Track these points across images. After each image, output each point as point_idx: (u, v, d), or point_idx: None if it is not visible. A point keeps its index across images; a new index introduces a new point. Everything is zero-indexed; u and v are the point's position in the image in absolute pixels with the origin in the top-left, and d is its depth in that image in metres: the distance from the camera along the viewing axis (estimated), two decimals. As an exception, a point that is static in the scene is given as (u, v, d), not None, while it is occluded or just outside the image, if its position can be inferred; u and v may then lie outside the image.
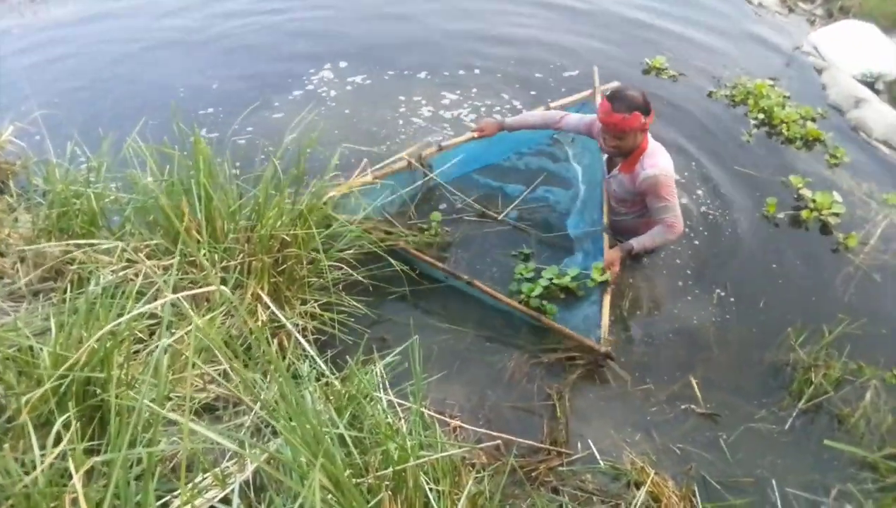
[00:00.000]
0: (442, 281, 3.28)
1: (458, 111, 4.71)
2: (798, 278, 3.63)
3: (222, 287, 2.10)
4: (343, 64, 5.21)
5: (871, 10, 6.38)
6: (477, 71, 5.19)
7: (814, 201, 4.01)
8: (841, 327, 3.16)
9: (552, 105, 4.10)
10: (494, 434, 2.56)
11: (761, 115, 4.83)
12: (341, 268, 2.99)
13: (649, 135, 3.18)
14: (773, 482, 2.58)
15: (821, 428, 2.85)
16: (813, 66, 5.70)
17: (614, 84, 4.44)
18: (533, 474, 2.51)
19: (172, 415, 1.47)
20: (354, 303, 2.93)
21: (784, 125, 4.71)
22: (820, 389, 2.95)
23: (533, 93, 4.97)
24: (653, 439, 2.74)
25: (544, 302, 3.17)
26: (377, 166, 3.50)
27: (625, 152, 3.19)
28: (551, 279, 3.25)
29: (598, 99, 4.23)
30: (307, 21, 5.97)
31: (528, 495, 2.42)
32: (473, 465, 2.44)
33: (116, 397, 1.64)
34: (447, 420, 2.62)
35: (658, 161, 3.14)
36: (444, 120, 4.61)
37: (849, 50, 5.78)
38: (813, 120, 4.84)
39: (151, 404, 1.47)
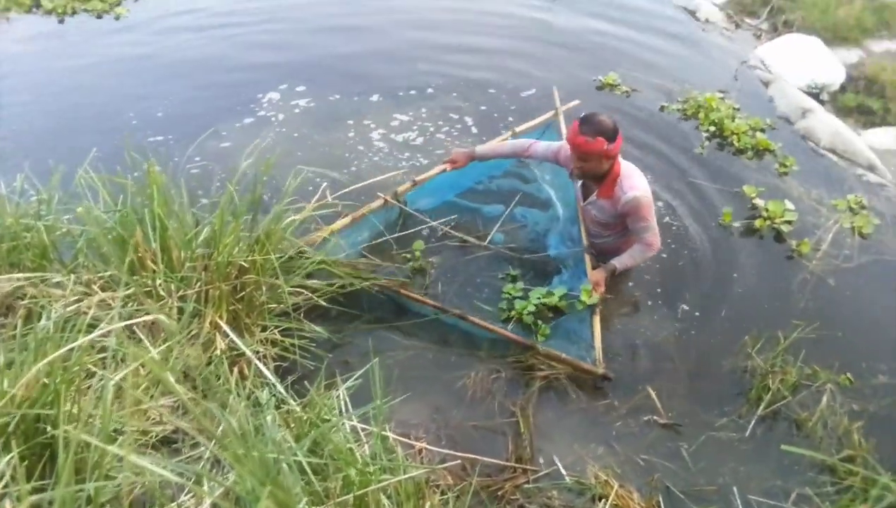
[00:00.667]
0: (429, 316, 3.24)
1: (408, 133, 4.72)
2: (755, 286, 3.71)
3: (161, 316, 2.06)
4: (295, 85, 5.20)
5: (813, 23, 6.60)
6: (430, 90, 5.24)
7: (767, 210, 4.11)
8: (795, 333, 3.22)
9: (517, 130, 4.17)
10: (459, 454, 2.55)
11: (712, 128, 4.95)
12: (302, 293, 2.98)
13: (620, 158, 3.24)
14: (735, 489, 2.61)
15: (780, 434, 2.90)
16: (760, 79, 5.87)
17: (575, 103, 4.57)
18: (499, 493, 2.50)
19: (114, 450, 1.44)
20: (315, 329, 2.90)
21: (735, 136, 4.84)
22: (778, 395, 3.01)
23: (483, 107, 5.05)
24: (616, 451, 2.76)
25: (538, 321, 3.20)
26: (349, 212, 3.48)
27: (590, 175, 3.25)
28: (540, 298, 3.28)
29: (562, 119, 4.34)
30: (258, 37, 6.00)
31: (496, 514, 2.42)
32: (439, 486, 2.43)
33: (66, 433, 1.60)
34: (412, 442, 2.61)
35: (636, 183, 3.20)
36: (395, 142, 4.62)
37: (794, 62, 5.96)
38: (762, 130, 4.99)
39: (92, 439, 1.44)
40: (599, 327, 3.09)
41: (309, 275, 2.98)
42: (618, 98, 5.32)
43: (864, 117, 5.54)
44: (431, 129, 4.73)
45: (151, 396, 2.25)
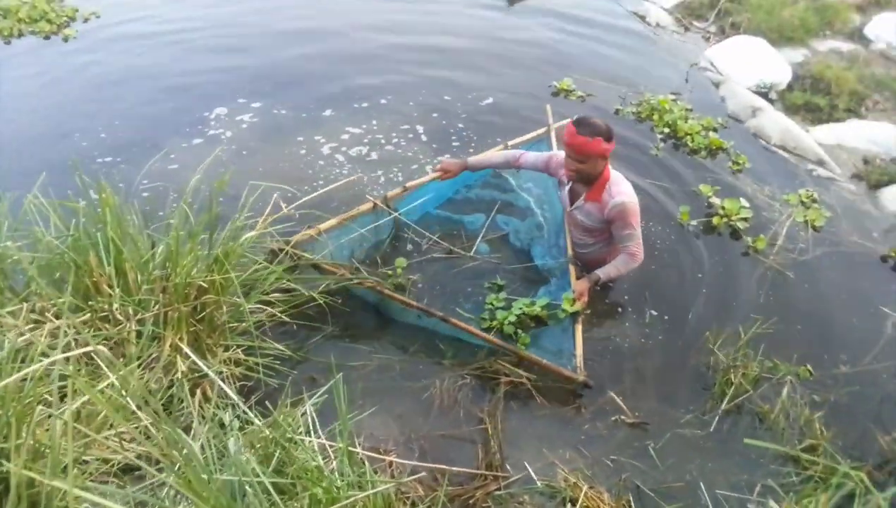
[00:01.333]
0: (411, 322, 3.27)
1: (360, 147, 4.68)
2: (715, 283, 3.78)
3: (101, 347, 2.01)
4: (246, 100, 5.13)
5: (759, 25, 6.78)
6: (383, 101, 5.21)
7: (723, 208, 4.20)
8: (755, 327, 3.29)
9: (510, 144, 4.20)
10: (428, 465, 2.55)
11: (667, 129, 5.05)
12: (265, 310, 2.95)
13: (609, 165, 3.28)
14: (703, 485, 2.64)
15: (744, 427, 2.95)
16: (711, 81, 6.01)
17: (566, 121, 4.57)
18: (470, 501, 2.50)
19: (59, 484, 1.40)
20: (277, 346, 2.87)
21: (689, 137, 4.94)
22: (740, 389, 3.06)
23: (435, 115, 5.03)
24: (585, 453, 2.77)
25: (518, 331, 3.20)
26: (338, 215, 3.50)
27: (586, 178, 3.27)
28: (522, 309, 3.28)
29: (553, 136, 4.41)
30: (208, 45, 5.91)
31: (467, 523, 2.42)
32: (409, 498, 2.42)
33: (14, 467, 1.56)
34: (381, 455, 2.59)
35: (624, 189, 3.25)
36: (347, 155, 4.57)
37: (742, 63, 6.12)
38: (714, 130, 5.10)
39: (35, 474, 1.40)
40: (581, 336, 3.11)
41: (285, 290, 2.96)
42: (573, 103, 5.39)
43: (812, 114, 5.70)
44: (383, 141, 4.70)
45: (111, 424, 2.20)
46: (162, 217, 2.89)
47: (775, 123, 5.27)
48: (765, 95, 5.83)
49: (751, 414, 3.02)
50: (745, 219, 4.19)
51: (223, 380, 2.53)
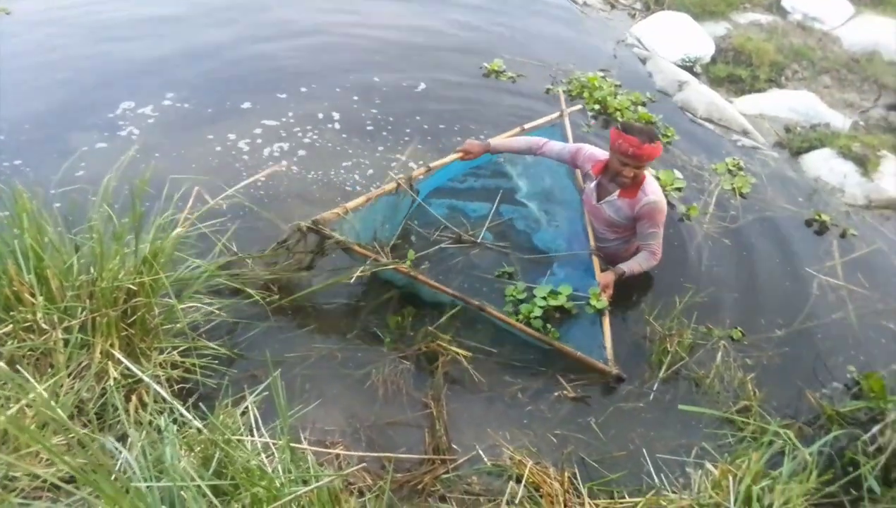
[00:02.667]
0: (442, 301, 3.23)
1: (281, 138, 4.51)
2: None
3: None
4: (158, 93, 4.84)
5: (682, 0, 6.91)
6: (304, 89, 5.04)
7: (658, 179, 4.28)
8: (689, 295, 3.39)
9: (526, 127, 4.18)
10: (374, 454, 2.55)
11: (597, 106, 5.12)
12: (199, 309, 2.89)
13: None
14: (644, 451, 2.72)
15: (681, 394, 3.05)
16: (638, 57, 6.12)
17: (578, 106, 4.77)
18: (419, 486, 2.51)
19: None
20: (213, 346, 2.81)
21: (618, 112, 5.03)
22: (676, 357, 3.16)
23: (355, 107, 4.90)
24: (530, 430, 2.82)
25: (547, 325, 3.21)
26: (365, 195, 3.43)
27: (631, 180, 3.31)
28: (546, 299, 3.28)
29: (566, 120, 4.40)
30: (119, 36, 5.59)
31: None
32: (358, 488, 2.42)
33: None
34: (327, 449, 2.58)
35: (657, 188, 3.34)
36: (270, 145, 4.43)
37: (667, 38, 6.25)
38: (643, 105, 5.22)
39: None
40: (609, 329, 3.14)
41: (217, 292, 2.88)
42: (504, 84, 5.40)
43: (735, 86, 5.88)
44: (299, 133, 4.54)
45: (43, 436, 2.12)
46: (85, 220, 2.77)
47: (701, 96, 5.41)
48: (690, 69, 5.97)
49: (687, 381, 3.11)
50: (678, 190, 4.31)
51: (160, 384, 2.47)
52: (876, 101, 5.74)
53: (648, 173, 3.39)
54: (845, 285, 3.79)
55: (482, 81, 5.40)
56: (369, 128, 4.66)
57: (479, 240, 3.72)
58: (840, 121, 5.30)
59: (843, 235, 4.21)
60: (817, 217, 4.30)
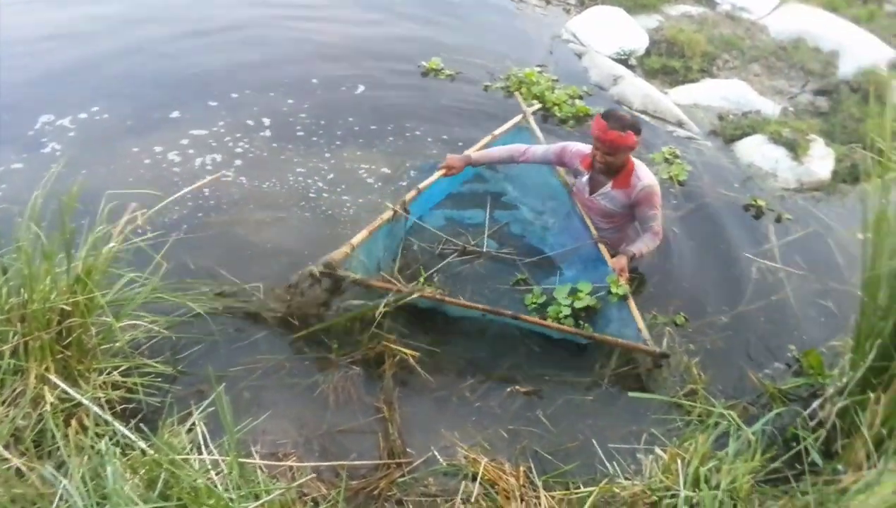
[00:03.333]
0: (473, 317, 3.20)
1: (216, 146, 4.36)
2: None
3: None
4: (81, 105, 4.60)
5: (615, -6, 7.03)
6: (235, 95, 4.89)
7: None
8: (634, 285, 3.45)
9: (496, 133, 4.18)
10: (327, 463, 2.53)
11: (535, 101, 5.15)
12: (139, 327, 2.81)
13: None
14: (596, 441, 2.76)
15: (631, 381, 3.09)
16: (574, 51, 6.19)
17: (537, 106, 4.86)
18: (375, 492, 2.49)
19: None
20: (153, 364, 2.73)
21: (556, 106, 5.09)
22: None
23: (291, 110, 4.80)
24: (484, 427, 2.83)
25: (579, 322, 3.26)
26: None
27: (613, 169, 3.37)
28: (570, 299, 3.30)
29: (531, 120, 4.45)
30: (38, 50, 5.30)
31: (374, 514, 2.41)
32: (313, 499, 2.39)
33: None
34: (278, 462, 2.54)
35: (648, 172, 3.44)
36: (204, 155, 4.27)
37: (602, 33, 6.34)
38: (580, 98, 5.30)
39: None
40: (637, 311, 3.18)
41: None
42: (443, 82, 5.40)
43: (669, 77, 6.00)
44: (229, 142, 4.41)
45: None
46: (11, 241, 2.65)
47: (636, 89, 5.51)
48: (625, 62, 6.08)
49: (636, 367, 3.15)
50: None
51: (100, 406, 2.39)
52: (803, 87, 5.94)
53: (636, 159, 3.47)
54: (783, 267, 3.91)
55: (420, 81, 5.39)
56: (300, 134, 4.57)
57: (483, 250, 3.71)
58: (770, 107, 5.47)
59: (778, 219, 4.34)
60: (754, 202, 4.42)
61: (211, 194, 3.92)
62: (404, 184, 4.16)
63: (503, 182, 4.23)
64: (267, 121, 4.63)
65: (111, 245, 2.57)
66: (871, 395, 2.37)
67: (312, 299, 3.19)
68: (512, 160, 3.80)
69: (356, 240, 3.23)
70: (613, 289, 3.24)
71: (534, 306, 3.38)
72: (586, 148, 3.56)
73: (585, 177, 3.57)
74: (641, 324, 3.13)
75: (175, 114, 4.61)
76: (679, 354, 3.22)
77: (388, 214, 3.46)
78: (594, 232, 3.59)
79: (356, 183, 4.18)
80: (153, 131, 4.43)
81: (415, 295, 3.03)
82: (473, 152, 3.82)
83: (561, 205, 3.92)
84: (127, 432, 2.11)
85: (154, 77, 5.05)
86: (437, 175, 3.76)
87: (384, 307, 3.00)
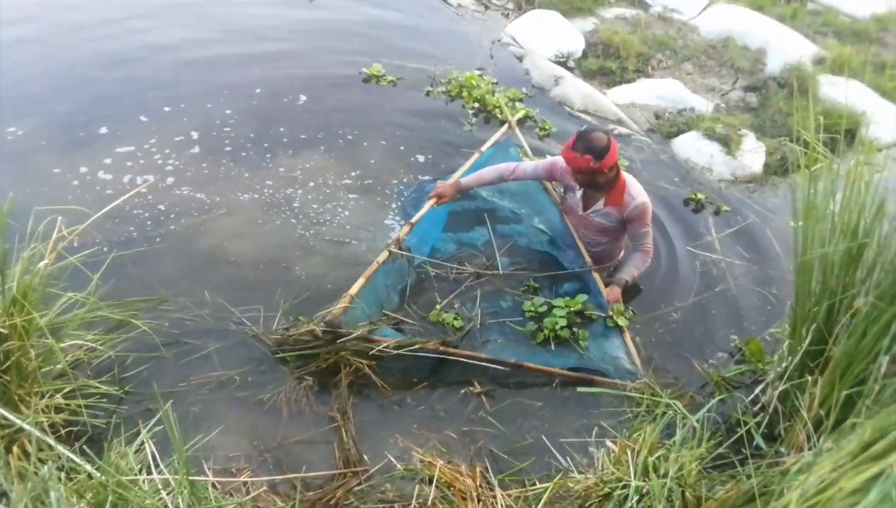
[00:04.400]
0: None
1: (140, 167, 4.22)
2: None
3: None
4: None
5: (551, -2, 7.16)
6: (168, 109, 4.79)
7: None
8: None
9: (483, 149, 4.17)
10: (281, 477, 2.50)
11: (476, 104, 5.23)
12: (81, 347, 2.73)
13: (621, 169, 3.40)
14: (551, 437, 2.79)
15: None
16: (514, 55, 6.28)
17: (521, 113, 4.91)
18: (332, 502, 2.48)
19: None
20: (96, 384, 2.66)
21: (497, 109, 5.14)
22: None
23: (231, 123, 4.71)
24: (440, 431, 2.84)
25: (574, 330, 3.26)
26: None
27: (594, 186, 3.37)
28: (566, 308, 3.30)
29: (517, 130, 4.47)
30: None
31: (331, 524, 2.40)
32: (269, 513, 2.37)
33: None
34: (234, 476, 2.51)
35: (641, 190, 3.42)
36: (123, 175, 4.14)
37: (540, 36, 6.45)
38: (520, 100, 5.39)
39: None
40: (632, 343, 3.23)
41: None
42: (385, 88, 5.41)
43: (607, 78, 6.13)
44: (157, 157, 4.31)
45: None
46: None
47: (576, 90, 5.63)
48: (564, 64, 6.19)
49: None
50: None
51: (43, 431, 2.32)
52: (734, 84, 6.14)
53: (627, 175, 3.48)
54: (724, 258, 4.04)
55: (362, 88, 5.39)
56: (240, 144, 4.52)
57: (499, 271, 3.65)
58: (703, 104, 5.64)
59: (716, 212, 4.48)
60: (693, 196, 4.56)
61: (148, 209, 3.86)
62: (351, 196, 4.16)
63: (494, 197, 4.20)
64: (207, 132, 4.57)
65: (44, 262, 2.49)
66: (809, 378, 2.46)
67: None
68: (502, 180, 3.77)
69: (354, 289, 3.16)
70: (616, 320, 3.29)
71: (531, 313, 3.39)
72: None
73: (579, 194, 3.56)
74: (637, 360, 3.17)
75: (104, 130, 4.50)
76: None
77: (384, 256, 3.39)
78: (587, 258, 3.60)
79: (302, 192, 4.16)
80: (84, 149, 4.31)
81: (414, 349, 2.99)
82: (463, 178, 3.77)
83: (555, 219, 3.91)
84: (71, 455, 2.05)
85: (83, 94, 4.91)
86: (427, 205, 3.68)
87: (376, 351, 2.95)
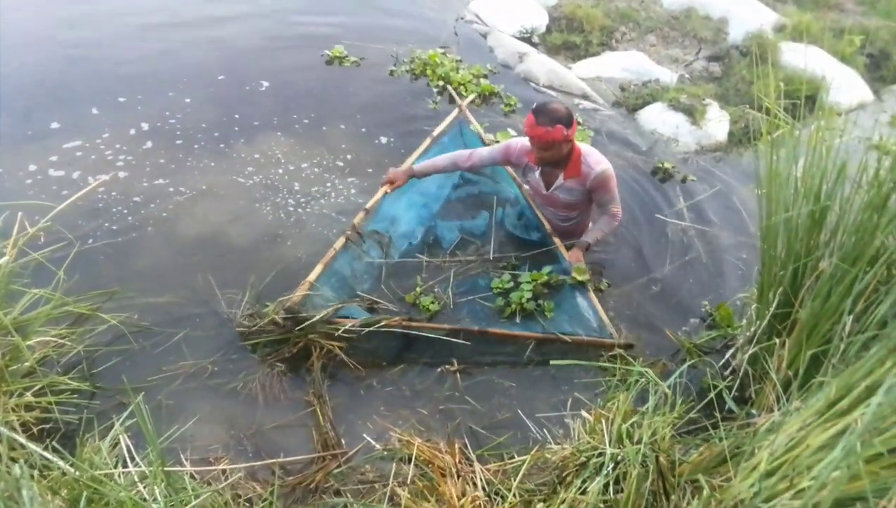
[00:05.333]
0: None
1: (92, 158, 4.14)
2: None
3: None
4: None
5: (512, -27, 7.09)
6: (122, 99, 4.70)
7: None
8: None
9: (434, 134, 4.13)
10: (260, 463, 2.50)
11: (441, 82, 5.19)
12: (49, 343, 2.69)
13: (576, 140, 3.31)
14: (526, 411, 2.82)
15: (555, 351, 3.14)
16: (478, 32, 6.23)
17: (472, 96, 4.83)
18: (311, 485, 2.48)
19: None
20: (67, 380, 2.63)
21: (462, 87, 5.12)
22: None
23: (194, 111, 4.64)
24: (418, 410, 2.85)
25: (540, 302, 3.28)
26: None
27: (551, 162, 3.30)
28: (531, 281, 3.32)
29: (468, 113, 4.41)
30: None
31: (313, 507, 2.40)
32: (248, 499, 2.36)
33: None
34: (212, 464, 2.50)
35: (600, 158, 3.33)
36: (87, 165, 4.07)
37: (503, 12, 6.41)
38: (485, 77, 5.37)
39: None
40: (598, 302, 3.26)
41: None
42: (349, 70, 5.35)
43: (571, 52, 6.12)
44: (108, 153, 4.20)
45: None
46: None
47: (541, 66, 5.61)
48: (528, 40, 6.16)
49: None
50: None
51: (13, 429, 2.28)
52: (697, 54, 6.18)
53: (583, 145, 3.41)
54: (694, 226, 4.08)
55: (325, 70, 5.32)
56: (204, 131, 4.47)
57: (484, 256, 3.66)
58: (668, 75, 5.66)
59: (683, 181, 4.52)
60: (661, 165, 4.59)
61: (112, 202, 3.80)
62: (328, 184, 4.13)
63: (490, 180, 4.18)
64: (167, 121, 4.51)
65: (5, 259, 2.44)
66: (777, 341, 2.52)
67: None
68: (456, 167, 3.71)
69: (312, 276, 3.16)
70: (576, 275, 3.31)
71: (499, 290, 3.40)
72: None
73: (537, 173, 3.52)
74: (604, 316, 3.20)
75: (55, 124, 4.40)
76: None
77: (340, 242, 3.40)
78: (547, 226, 3.62)
79: (266, 177, 4.13)
80: (33, 143, 4.21)
81: (380, 326, 3.00)
82: (416, 164, 3.72)
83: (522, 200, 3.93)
84: (43, 452, 2.03)
85: (31, 85, 4.78)
86: (380, 192, 3.66)
87: (343, 331, 2.96)
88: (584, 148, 3.40)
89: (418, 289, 3.39)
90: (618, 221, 3.53)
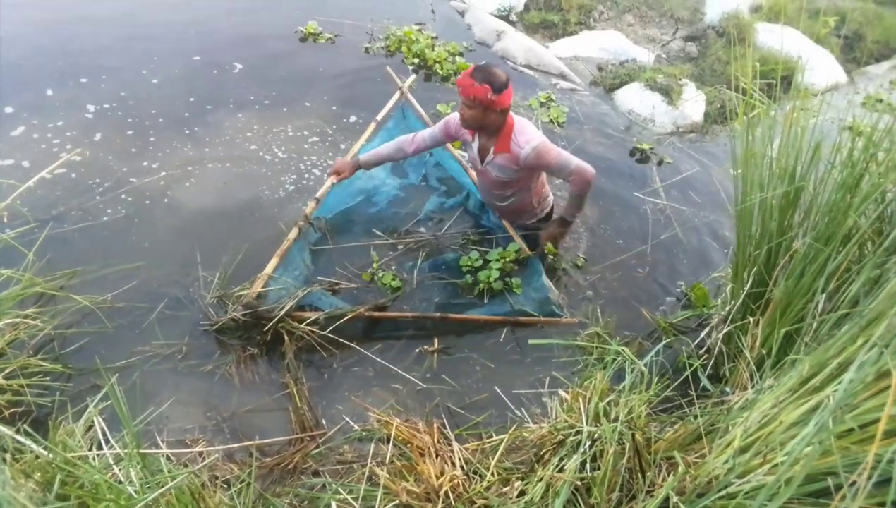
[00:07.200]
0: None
1: (70, 136, 4.07)
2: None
3: None
4: None
5: (490, -49, 7.03)
6: (84, 80, 4.62)
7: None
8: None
9: (378, 118, 4.09)
10: (237, 445, 2.48)
11: (416, 59, 5.16)
12: (18, 326, 2.64)
13: (512, 112, 3.19)
14: (505, 391, 2.84)
15: (533, 331, 3.18)
16: (456, 10, 6.19)
17: (413, 77, 4.73)
18: (290, 466, 2.48)
19: None
20: (39, 362, 2.59)
21: (437, 64, 5.09)
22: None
23: (166, 92, 4.58)
24: (397, 390, 2.85)
25: (507, 280, 3.33)
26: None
27: (485, 128, 3.15)
28: (499, 260, 3.38)
29: (409, 97, 4.33)
30: None
31: (291, 488, 2.40)
32: (226, 481, 2.35)
33: None
34: (189, 447, 2.48)
35: (530, 135, 3.12)
36: (61, 144, 4.01)
37: (482, -10, 6.37)
38: (460, 55, 5.34)
39: None
40: (550, 282, 3.30)
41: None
42: (323, 46, 5.29)
43: (549, 31, 6.12)
44: (68, 132, 4.13)
45: None
46: None
47: (518, 44, 5.59)
48: (506, 18, 6.13)
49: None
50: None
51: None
52: (674, 34, 6.20)
53: (518, 119, 3.22)
54: (671, 205, 4.11)
55: (300, 46, 5.25)
56: (178, 110, 4.41)
57: (442, 232, 3.71)
58: (645, 55, 5.68)
59: (660, 162, 4.54)
60: (639, 145, 4.61)
61: (80, 184, 3.73)
62: (301, 158, 4.06)
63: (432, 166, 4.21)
64: (140, 99, 4.43)
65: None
66: (751, 320, 2.55)
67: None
68: (403, 153, 3.57)
69: (269, 268, 3.12)
70: (547, 249, 3.37)
71: (468, 268, 3.42)
72: None
73: (475, 146, 3.37)
74: (555, 295, 3.25)
75: (9, 109, 4.28)
76: (579, 300, 3.34)
77: (293, 233, 3.36)
78: (494, 209, 3.64)
79: (239, 155, 4.09)
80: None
81: (345, 318, 3.00)
82: (361, 154, 3.62)
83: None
84: (15, 435, 1.99)
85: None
86: (328, 182, 3.62)
87: (307, 324, 2.95)
88: (519, 123, 3.20)
89: (375, 265, 3.41)
90: (587, 179, 3.20)
